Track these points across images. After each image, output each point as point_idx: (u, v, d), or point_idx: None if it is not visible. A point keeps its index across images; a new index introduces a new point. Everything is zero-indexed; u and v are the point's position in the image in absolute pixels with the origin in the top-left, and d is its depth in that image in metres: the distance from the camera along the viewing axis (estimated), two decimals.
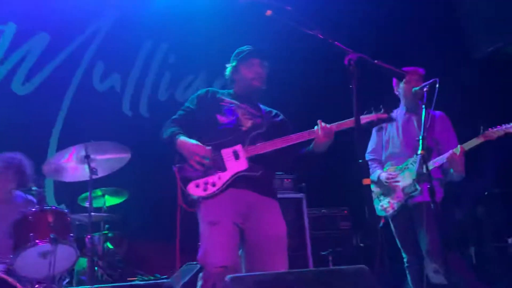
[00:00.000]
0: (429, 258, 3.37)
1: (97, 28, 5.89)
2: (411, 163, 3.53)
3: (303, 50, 5.22)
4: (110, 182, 4.30)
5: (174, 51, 6.44)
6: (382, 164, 3.78)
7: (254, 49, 3.00)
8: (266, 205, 2.79)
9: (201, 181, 2.71)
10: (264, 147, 2.76)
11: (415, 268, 3.55)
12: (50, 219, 3.20)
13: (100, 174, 3.46)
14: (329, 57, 2.49)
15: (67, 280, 3.65)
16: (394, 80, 3.87)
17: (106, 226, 4.66)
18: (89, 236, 3.33)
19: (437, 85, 3.15)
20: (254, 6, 2.47)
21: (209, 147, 2.74)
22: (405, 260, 3.64)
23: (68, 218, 3.34)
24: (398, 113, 3.82)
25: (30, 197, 3.77)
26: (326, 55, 2.95)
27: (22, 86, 5.37)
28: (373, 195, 3.69)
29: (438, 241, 3.10)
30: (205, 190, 2.69)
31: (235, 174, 2.71)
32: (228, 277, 2.09)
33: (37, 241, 3.09)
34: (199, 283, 2.63)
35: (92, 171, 3.34)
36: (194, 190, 2.70)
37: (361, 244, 5.30)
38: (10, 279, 2.90)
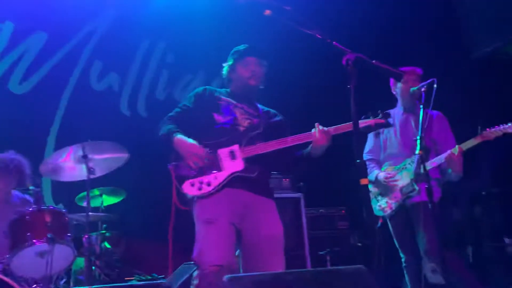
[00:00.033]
0: (427, 258, 3.38)
1: (94, 27, 5.87)
2: (409, 163, 3.54)
3: (302, 50, 5.21)
4: (107, 181, 4.29)
5: (172, 50, 6.42)
6: (380, 164, 3.78)
7: (250, 47, 2.99)
8: (262, 205, 2.78)
9: (196, 180, 2.70)
10: (261, 148, 2.75)
11: (413, 268, 3.56)
12: (48, 218, 3.19)
13: (98, 173, 3.46)
14: (329, 57, 2.48)
15: (64, 280, 3.64)
16: (391, 80, 3.87)
17: (104, 225, 4.64)
18: (86, 236, 3.33)
19: (435, 85, 3.15)
20: (253, 5, 2.46)
21: (207, 148, 2.73)
22: (403, 260, 3.64)
23: (66, 218, 3.33)
24: (396, 113, 3.82)
25: (27, 196, 3.76)
26: (325, 55, 2.94)
27: (20, 85, 5.35)
28: (371, 195, 3.69)
29: (436, 241, 3.10)
30: (200, 189, 2.68)
31: (231, 174, 2.70)
32: (226, 277, 2.08)
33: (34, 240, 3.08)
34: (194, 282, 2.62)
35: (90, 170, 3.33)
36: (189, 189, 2.70)
37: (359, 244, 5.30)
38: (7, 279, 2.89)
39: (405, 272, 3.64)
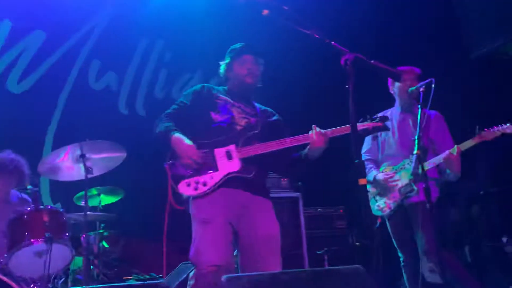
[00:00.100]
0: (426, 258, 3.38)
1: (93, 26, 5.86)
2: (408, 163, 3.54)
3: (300, 50, 5.22)
4: (105, 181, 4.28)
5: (170, 49, 6.41)
6: (378, 164, 3.78)
7: (246, 45, 2.98)
8: (258, 205, 2.78)
9: (192, 180, 2.70)
10: (258, 149, 2.73)
11: (411, 268, 3.56)
12: (45, 218, 3.19)
13: (96, 173, 3.45)
14: (327, 57, 2.48)
15: (62, 279, 3.63)
16: (390, 80, 3.87)
17: (102, 225, 4.63)
18: (84, 235, 3.31)
19: (433, 85, 3.14)
20: (252, 5, 2.45)
21: (203, 149, 2.72)
22: (401, 259, 3.64)
23: (64, 217, 3.33)
24: (393, 112, 3.82)
25: (25, 196, 3.76)
26: (323, 55, 2.94)
27: (18, 84, 5.33)
28: (369, 195, 3.69)
29: (435, 240, 3.11)
30: (196, 189, 2.68)
31: (227, 174, 2.70)
32: (224, 277, 2.09)
33: (32, 240, 3.07)
34: (190, 282, 2.62)
35: (88, 170, 3.32)
36: (185, 188, 2.69)
37: (357, 243, 5.31)
38: (5, 279, 2.88)
39: (403, 271, 3.64)
